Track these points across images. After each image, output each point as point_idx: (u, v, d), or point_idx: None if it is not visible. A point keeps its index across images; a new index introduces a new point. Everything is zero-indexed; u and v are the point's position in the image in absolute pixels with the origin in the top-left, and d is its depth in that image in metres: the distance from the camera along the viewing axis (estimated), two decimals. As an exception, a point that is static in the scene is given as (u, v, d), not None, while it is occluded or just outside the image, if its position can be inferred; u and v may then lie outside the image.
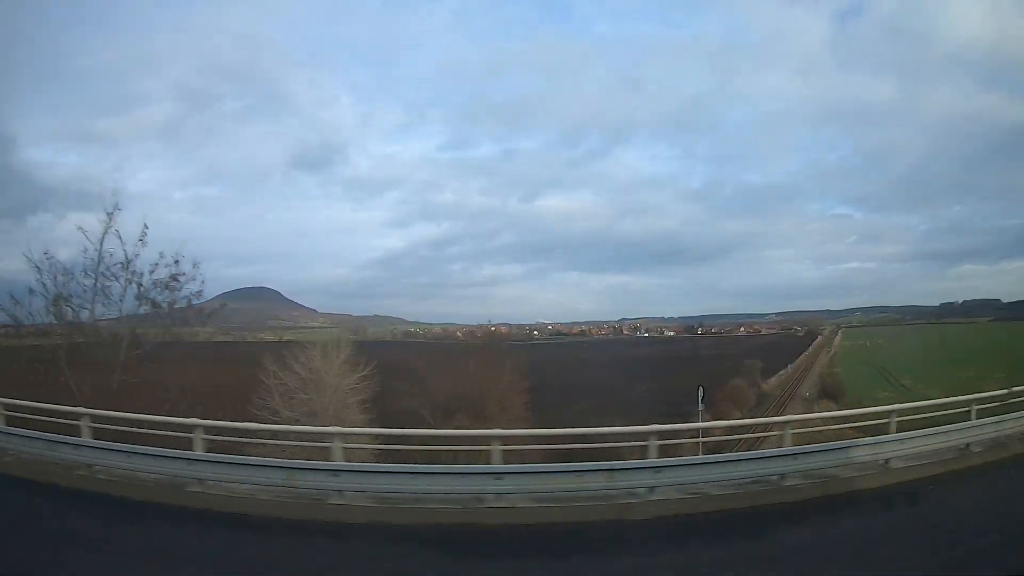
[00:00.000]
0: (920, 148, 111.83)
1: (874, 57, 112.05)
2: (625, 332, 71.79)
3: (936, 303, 79.74)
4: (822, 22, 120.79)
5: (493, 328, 78.45)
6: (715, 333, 76.55)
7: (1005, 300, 66.00)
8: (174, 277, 15.81)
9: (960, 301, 75.54)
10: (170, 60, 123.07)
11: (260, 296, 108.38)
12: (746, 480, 7.67)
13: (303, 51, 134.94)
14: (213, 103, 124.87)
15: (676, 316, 75.42)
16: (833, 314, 79.88)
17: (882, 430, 9.09)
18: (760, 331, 77.96)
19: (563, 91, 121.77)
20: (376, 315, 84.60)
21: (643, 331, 71.99)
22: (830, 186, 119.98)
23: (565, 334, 69.93)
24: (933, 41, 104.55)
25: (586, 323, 73.50)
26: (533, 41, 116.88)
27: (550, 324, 75.26)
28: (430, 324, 74.36)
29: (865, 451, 8.38)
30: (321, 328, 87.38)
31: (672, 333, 74.01)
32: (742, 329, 78.00)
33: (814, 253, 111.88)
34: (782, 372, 41.93)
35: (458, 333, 69.78)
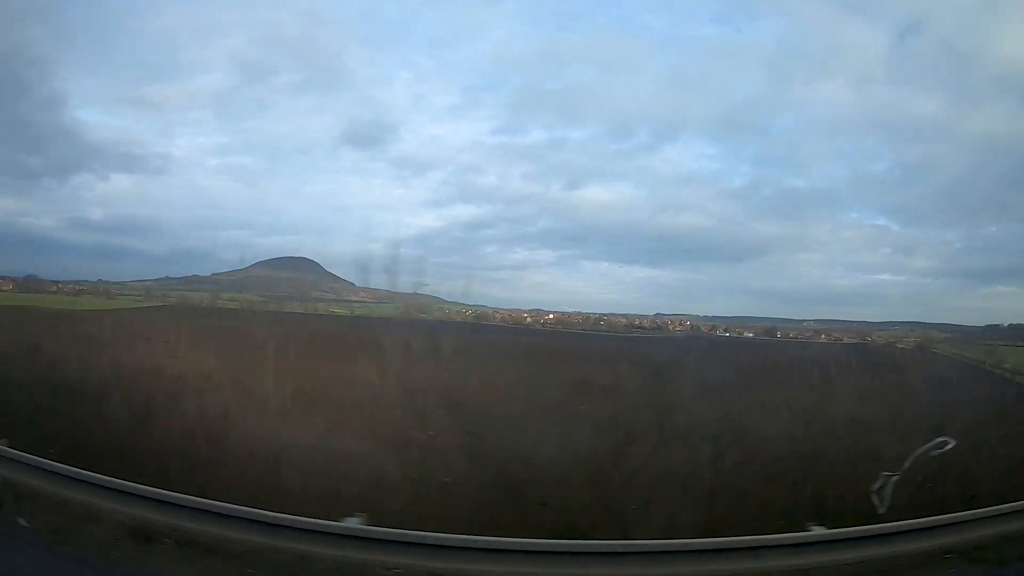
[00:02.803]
0: (961, 165, 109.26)
1: (926, 73, 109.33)
2: (704, 329, 67.47)
3: (975, 323, 74.01)
4: (882, 37, 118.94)
5: (552, 315, 75.05)
6: (793, 338, 72.28)
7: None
8: None
9: (1006, 324, 72.63)
10: (229, 30, 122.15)
11: (299, 266, 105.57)
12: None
13: (365, 28, 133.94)
14: (268, 75, 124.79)
15: (711, 315, 71.83)
16: (872, 326, 76.94)
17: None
18: (841, 339, 73.55)
19: (617, 85, 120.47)
20: (415, 293, 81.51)
21: (723, 330, 67.68)
22: (869, 196, 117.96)
23: (640, 327, 65.70)
24: (984, 62, 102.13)
25: (624, 315, 70.39)
26: (593, 34, 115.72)
27: (603, 316, 71.61)
28: (468, 306, 71.27)
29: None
30: (365, 302, 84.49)
31: (751, 335, 69.60)
32: (823, 336, 73.52)
33: (847, 261, 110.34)
34: None
35: (529, 319, 66.00)
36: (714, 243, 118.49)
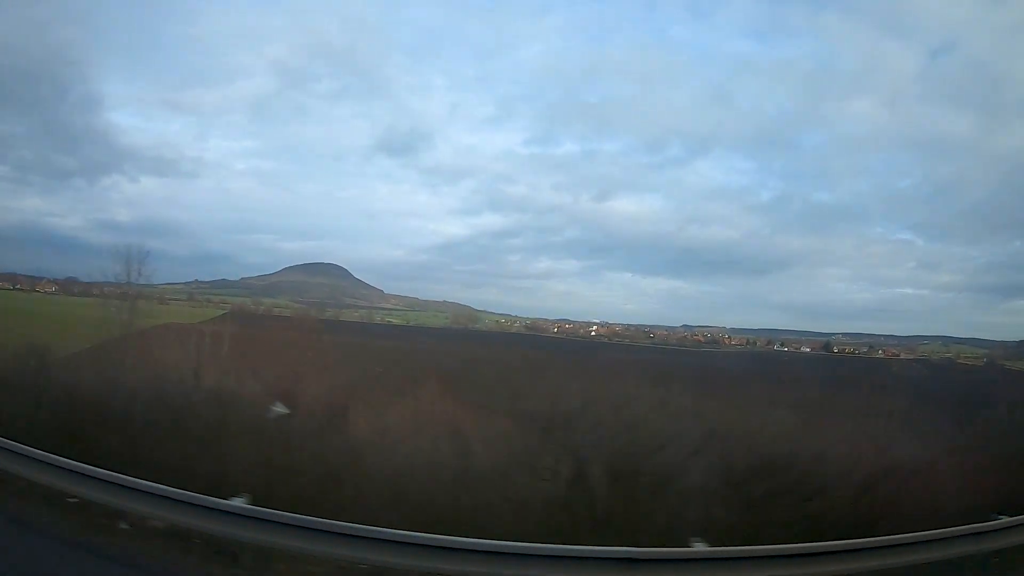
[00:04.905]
0: (988, 183, 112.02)
1: (957, 93, 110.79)
2: (759, 344, 65.18)
3: (997, 337, 73.91)
4: (914, 56, 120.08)
5: (595, 327, 73.18)
6: (850, 353, 70.09)
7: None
8: None
9: (1033, 339, 70.53)
10: (273, 37, 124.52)
11: (328, 272, 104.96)
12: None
13: (407, 37, 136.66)
14: (307, 82, 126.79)
15: (734, 327, 69.81)
16: (900, 340, 74.66)
17: None
18: (899, 355, 71.12)
19: (654, 99, 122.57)
20: (444, 300, 80.00)
21: (779, 345, 65.43)
22: (896, 211, 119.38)
23: (696, 341, 63.50)
24: (1015, 82, 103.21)
25: (650, 327, 69.24)
26: (632, 49, 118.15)
27: (649, 328, 69.86)
28: (496, 314, 69.54)
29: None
30: (396, 310, 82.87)
31: (808, 350, 67.35)
32: (880, 352, 71.09)
33: (870, 275, 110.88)
34: None
35: (582, 331, 64.33)
36: (739, 256, 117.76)
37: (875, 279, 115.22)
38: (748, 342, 65.22)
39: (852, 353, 69.15)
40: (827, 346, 68.23)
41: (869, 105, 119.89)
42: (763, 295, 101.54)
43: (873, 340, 75.08)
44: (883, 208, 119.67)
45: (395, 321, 55.85)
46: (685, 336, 65.56)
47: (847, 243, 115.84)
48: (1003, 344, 71.44)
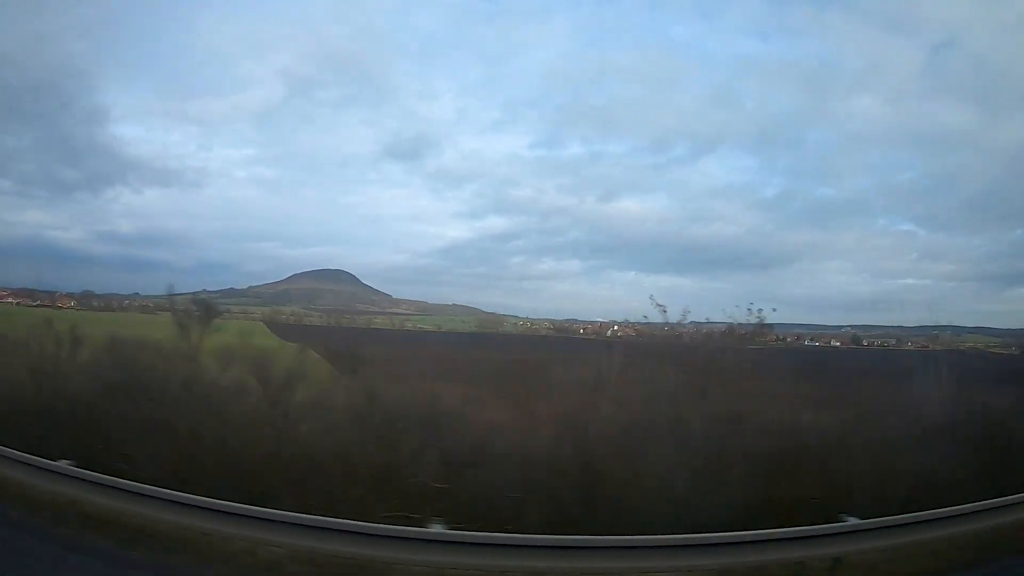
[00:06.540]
0: (990, 174, 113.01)
1: (958, 86, 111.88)
2: (788, 340, 63.88)
3: (1001, 325, 72.30)
4: (916, 53, 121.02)
5: (617, 327, 71.96)
6: (880, 346, 68.98)
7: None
8: None
9: (1041, 326, 70.04)
10: (279, 46, 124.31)
11: (337, 278, 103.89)
12: None
13: (413, 44, 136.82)
14: (314, 90, 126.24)
15: (742, 323, 68.93)
16: (908, 331, 75.19)
17: None
18: (927, 347, 69.94)
19: (659, 101, 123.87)
20: (453, 303, 78.64)
21: (809, 340, 64.24)
22: (898, 204, 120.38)
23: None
24: (1015, 76, 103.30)
25: (661, 325, 68.19)
26: (639, 52, 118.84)
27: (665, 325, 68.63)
28: (503, 316, 68.32)
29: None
30: (408, 315, 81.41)
31: (838, 344, 66.22)
32: (909, 344, 69.93)
33: (873, 267, 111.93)
34: None
35: (612, 330, 63.02)
36: (742, 252, 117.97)
37: (877, 271, 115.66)
38: (778, 338, 64.00)
39: (883, 346, 67.96)
40: (855, 339, 67.19)
41: (871, 102, 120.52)
42: (768, 290, 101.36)
43: (883, 332, 74.49)
44: (885, 201, 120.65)
45: (428, 327, 54.32)
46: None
47: (850, 237, 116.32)
48: (1013, 332, 70.70)
